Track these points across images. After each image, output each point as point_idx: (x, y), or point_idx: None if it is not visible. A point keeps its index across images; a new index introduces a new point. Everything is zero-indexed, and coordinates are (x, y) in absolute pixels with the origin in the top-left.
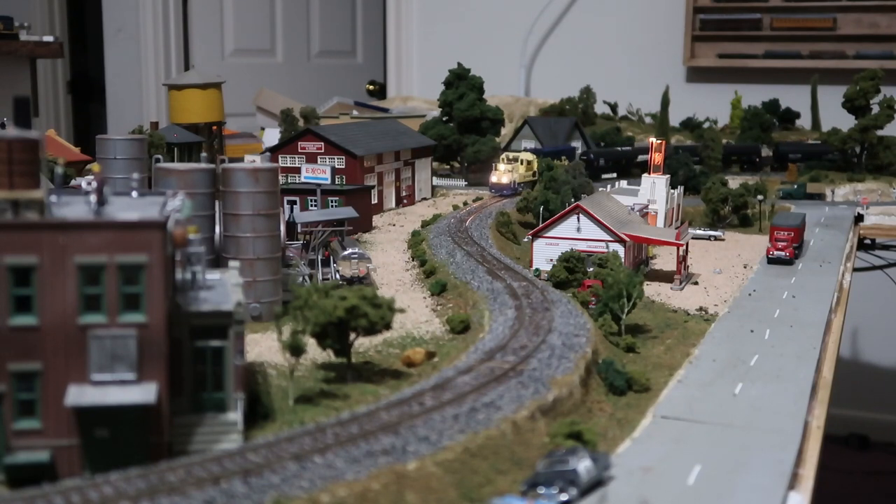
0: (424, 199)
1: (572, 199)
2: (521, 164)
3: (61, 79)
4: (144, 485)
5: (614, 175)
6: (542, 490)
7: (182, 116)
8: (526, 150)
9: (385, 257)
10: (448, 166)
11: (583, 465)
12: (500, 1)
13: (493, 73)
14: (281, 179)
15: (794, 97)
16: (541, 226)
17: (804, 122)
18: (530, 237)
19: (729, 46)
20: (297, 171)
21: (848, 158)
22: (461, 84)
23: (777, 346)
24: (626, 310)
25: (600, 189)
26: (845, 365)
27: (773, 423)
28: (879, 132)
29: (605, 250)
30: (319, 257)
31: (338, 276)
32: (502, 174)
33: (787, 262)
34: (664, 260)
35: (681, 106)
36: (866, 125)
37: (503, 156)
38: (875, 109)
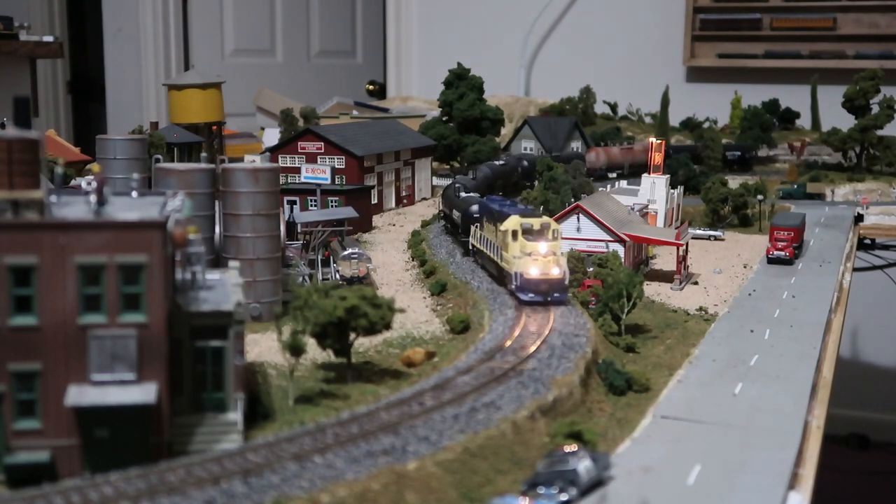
0: (424, 199)
1: (572, 199)
2: (554, 235)
3: (61, 79)
4: (144, 485)
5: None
6: (542, 490)
7: (182, 116)
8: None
9: (385, 257)
10: (448, 166)
11: (583, 465)
12: (500, 1)
13: (493, 73)
14: (281, 179)
15: (794, 97)
16: None
17: (804, 121)
18: None
19: (729, 46)
20: (297, 171)
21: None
22: (461, 84)
23: (777, 346)
24: (626, 310)
25: (600, 189)
26: (845, 365)
27: (773, 423)
28: (879, 132)
29: (605, 250)
30: (319, 257)
31: (338, 276)
32: (550, 263)
33: (787, 262)
34: (664, 260)
35: (681, 106)
36: (866, 125)
37: (516, 222)
38: (875, 109)
